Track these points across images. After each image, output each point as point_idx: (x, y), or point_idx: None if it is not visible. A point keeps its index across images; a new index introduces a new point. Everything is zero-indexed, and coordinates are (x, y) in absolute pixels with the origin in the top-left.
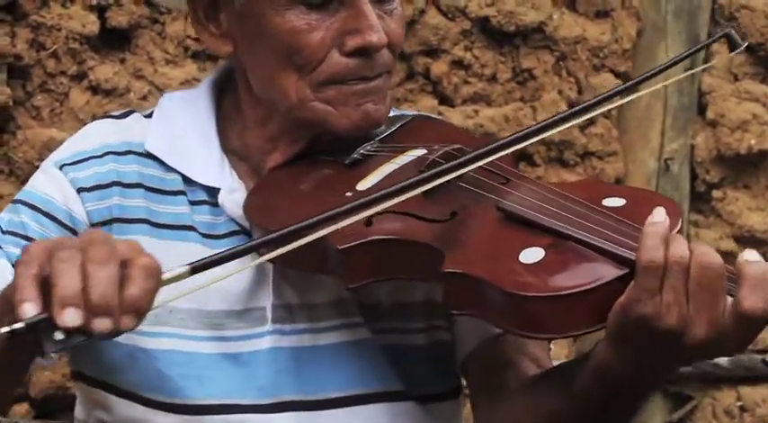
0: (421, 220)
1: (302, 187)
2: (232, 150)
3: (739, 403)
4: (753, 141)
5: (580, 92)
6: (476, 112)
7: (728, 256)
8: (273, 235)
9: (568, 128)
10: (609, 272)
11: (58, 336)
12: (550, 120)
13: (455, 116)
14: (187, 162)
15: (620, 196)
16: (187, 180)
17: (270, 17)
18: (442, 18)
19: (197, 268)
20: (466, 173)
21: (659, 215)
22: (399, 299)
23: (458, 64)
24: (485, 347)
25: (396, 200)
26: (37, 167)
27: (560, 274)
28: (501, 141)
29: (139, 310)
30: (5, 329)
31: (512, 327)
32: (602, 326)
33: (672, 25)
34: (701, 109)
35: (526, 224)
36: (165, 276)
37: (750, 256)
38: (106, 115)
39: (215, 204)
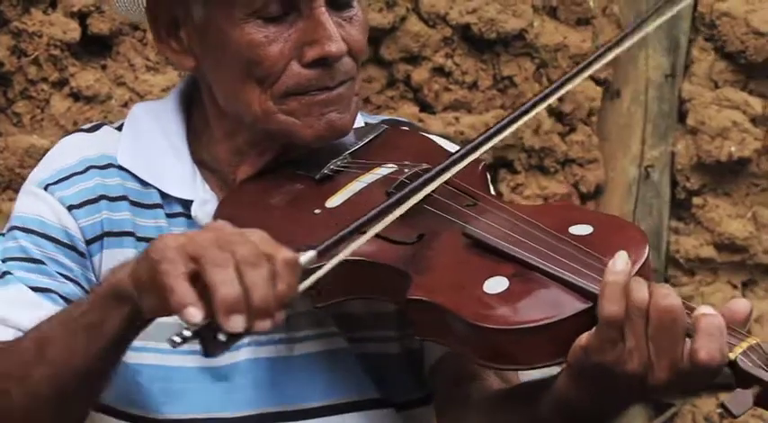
0: (388, 242)
1: (272, 201)
2: (202, 162)
3: (719, 410)
4: (733, 149)
5: (560, 99)
6: (456, 119)
7: (709, 263)
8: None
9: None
10: (573, 305)
11: (221, 338)
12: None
13: (436, 123)
14: (159, 175)
15: (587, 223)
16: (163, 193)
17: (228, 31)
18: (422, 25)
19: (322, 252)
20: (432, 194)
21: (621, 263)
22: (372, 308)
23: (439, 71)
24: (450, 358)
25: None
26: (18, 174)
27: (524, 306)
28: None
29: (287, 305)
30: (177, 339)
31: (475, 357)
32: (566, 358)
33: (652, 33)
34: (682, 116)
35: (492, 252)
36: (303, 262)
37: (706, 309)
38: (76, 130)
39: (190, 216)
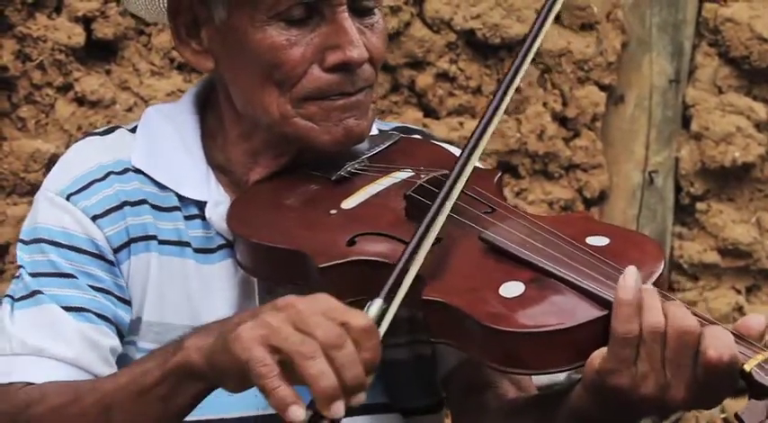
0: (403, 243)
1: (286, 201)
2: (216, 164)
3: (723, 415)
4: (737, 154)
5: (565, 104)
6: (460, 124)
7: (712, 269)
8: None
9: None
10: (588, 312)
11: None
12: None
13: (440, 128)
14: (174, 177)
15: (604, 235)
16: (180, 195)
17: (250, 33)
18: (427, 31)
19: (387, 296)
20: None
21: (631, 279)
22: None
23: (443, 76)
24: (465, 367)
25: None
26: (23, 179)
27: (539, 310)
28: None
29: (376, 366)
30: None
31: (488, 360)
32: (580, 364)
33: (656, 38)
34: (686, 122)
35: (508, 257)
36: (374, 317)
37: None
38: (89, 133)
39: (205, 218)
